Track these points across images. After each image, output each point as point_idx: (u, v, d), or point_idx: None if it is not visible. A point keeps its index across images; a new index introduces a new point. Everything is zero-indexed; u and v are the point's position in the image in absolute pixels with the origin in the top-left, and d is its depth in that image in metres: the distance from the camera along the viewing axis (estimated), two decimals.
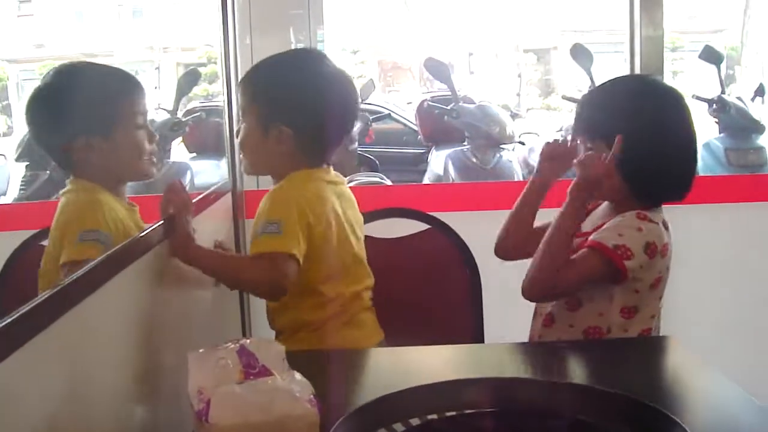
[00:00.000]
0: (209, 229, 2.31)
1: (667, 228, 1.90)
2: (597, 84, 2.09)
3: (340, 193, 2.06)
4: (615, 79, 2.09)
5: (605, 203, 2.00)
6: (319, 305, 2.00)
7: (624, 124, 1.84)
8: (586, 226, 1.97)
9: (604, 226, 1.85)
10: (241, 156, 2.15)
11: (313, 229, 1.93)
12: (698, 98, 6.49)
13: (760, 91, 6.94)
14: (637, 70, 2.80)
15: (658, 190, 1.90)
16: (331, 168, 2.09)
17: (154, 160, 1.93)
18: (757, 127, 6.09)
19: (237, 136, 2.11)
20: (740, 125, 6.05)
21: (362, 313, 2.06)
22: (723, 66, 6.34)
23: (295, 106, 1.99)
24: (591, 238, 1.84)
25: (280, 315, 2.06)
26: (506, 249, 2.10)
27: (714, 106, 6.16)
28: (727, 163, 5.88)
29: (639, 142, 1.83)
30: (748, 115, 6.11)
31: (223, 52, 2.78)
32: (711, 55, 6.24)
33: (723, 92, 6.23)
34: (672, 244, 1.90)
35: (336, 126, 2.06)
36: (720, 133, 6.25)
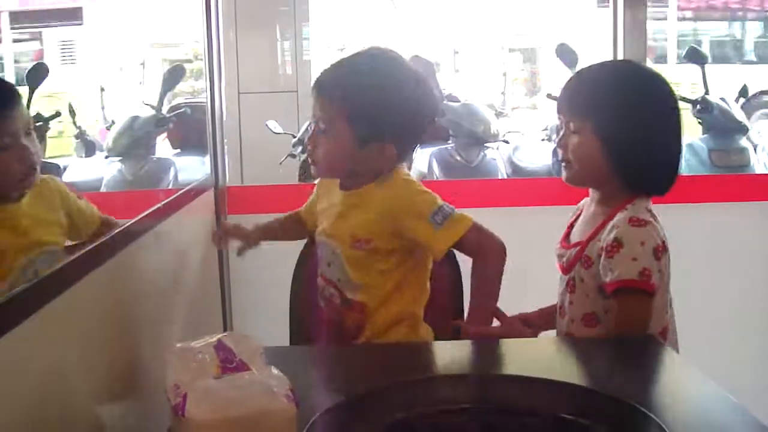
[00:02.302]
0: (191, 225, 2.31)
1: (655, 218, 1.88)
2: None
3: None
4: (603, 62, 2.09)
5: (588, 203, 1.99)
6: (421, 298, 2.06)
7: (612, 106, 1.83)
8: (575, 234, 1.97)
9: (614, 256, 1.80)
10: (311, 159, 2.00)
11: None
12: (682, 99, 6.51)
13: (743, 92, 6.97)
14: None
15: (644, 175, 1.86)
16: None
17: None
18: (740, 128, 6.11)
19: (309, 140, 1.98)
20: (724, 126, 6.07)
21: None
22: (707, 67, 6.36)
23: (400, 125, 1.95)
24: (610, 279, 1.80)
25: (377, 309, 2.01)
26: None
27: (698, 107, 6.18)
28: (711, 163, 5.89)
29: (626, 125, 1.81)
30: (732, 116, 6.13)
31: (206, 48, 2.78)
32: (695, 56, 6.26)
33: (707, 93, 6.25)
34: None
35: (423, 131, 2.07)
36: (703, 134, 6.27)
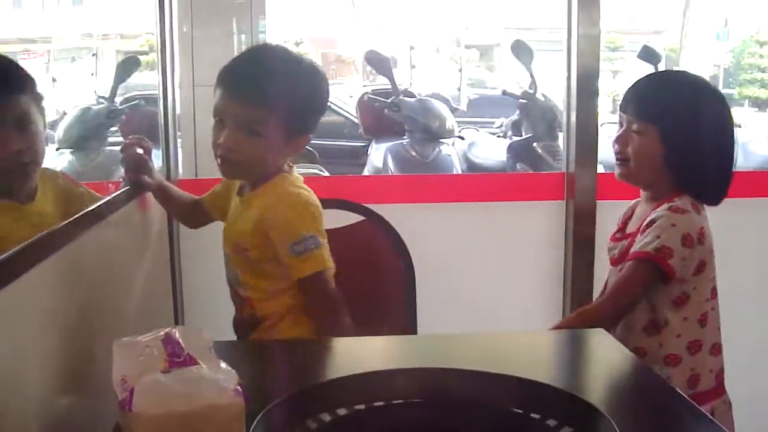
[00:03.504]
0: (141, 217, 2.28)
1: (699, 211, 1.97)
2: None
3: None
4: (668, 71, 2.21)
5: (640, 202, 2.09)
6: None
7: (680, 116, 1.95)
8: (631, 226, 2.06)
9: (645, 232, 1.91)
10: (227, 160, 1.95)
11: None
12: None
13: None
14: (574, 68, 2.82)
15: (701, 182, 1.98)
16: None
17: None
18: None
19: (221, 142, 1.93)
20: None
21: None
22: (661, 66, 6.43)
23: (312, 110, 2.02)
24: (633, 249, 1.92)
25: (263, 302, 2.02)
26: None
27: None
28: None
29: (690, 136, 1.93)
30: None
31: (159, 39, 2.75)
32: (649, 55, 6.32)
33: None
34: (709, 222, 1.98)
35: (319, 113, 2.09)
36: None
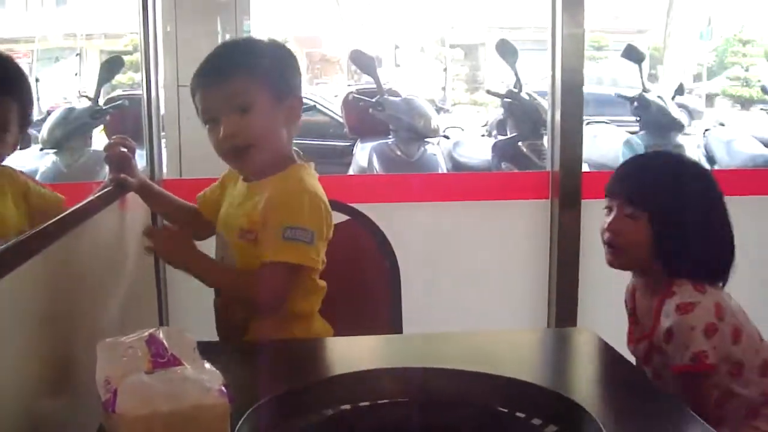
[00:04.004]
0: (125, 218, 2.28)
1: (704, 290, 1.89)
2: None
3: None
4: (659, 152, 2.15)
5: (641, 288, 2.04)
6: (311, 293, 1.99)
7: (671, 202, 1.90)
8: (644, 322, 2.00)
9: (671, 344, 1.85)
10: (228, 156, 1.96)
11: (328, 234, 1.96)
12: (620, 96, 6.61)
13: (680, 90, 7.09)
14: (559, 67, 2.83)
15: (694, 266, 1.91)
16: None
17: None
18: (676, 125, 6.21)
19: (227, 134, 1.91)
20: (661, 123, 6.17)
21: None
22: (645, 65, 6.45)
23: (297, 73, 2.02)
24: (672, 365, 1.87)
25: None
26: None
27: (635, 104, 6.27)
28: None
29: (683, 220, 1.89)
30: (669, 113, 6.23)
31: (143, 39, 2.74)
32: (633, 54, 6.34)
33: (644, 90, 6.34)
34: (725, 295, 1.92)
35: None
36: (641, 130, 6.36)
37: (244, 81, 1.91)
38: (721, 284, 1.94)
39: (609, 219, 1.95)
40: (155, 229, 1.99)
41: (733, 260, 1.95)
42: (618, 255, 1.95)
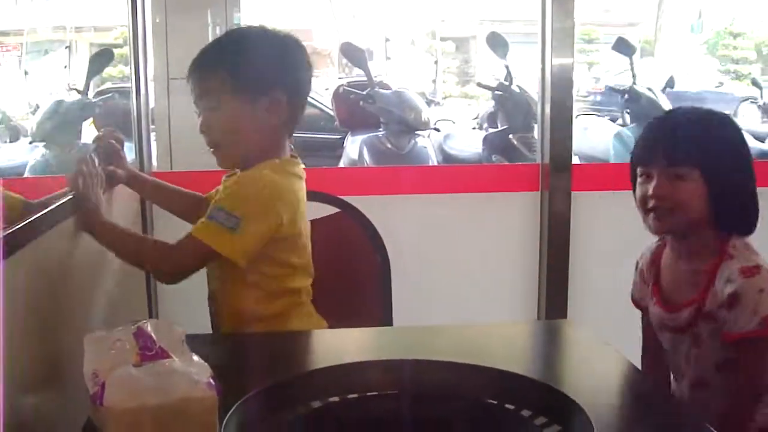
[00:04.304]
0: (115, 210, 2.27)
1: (757, 253, 1.85)
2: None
3: (304, 190, 1.99)
4: (682, 108, 2.07)
5: (668, 261, 1.97)
6: (276, 296, 1.94)
7: (719, 153, 1.84)
8: (674, 293, 1.93)
9: (734, 310, 1.77)
10: (214, 151, 1.95)
11: (281, 231, 1.85)
12: (611, 89, 6.61)
13: (670, 83, 7.09)
14: (549, 60, 2.83)
15: (739, 218, 1.87)
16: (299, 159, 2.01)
17: None
18: None
19: (203, 129, 1.92)
20: (651, 115, 6.16)
21: (310, 306, 2.02)
22: (636, 57, 6.45)
23: (287, 66, 1.93)
24: (733, 331, 1.78)
25: (230, 303, 1.97)
26: None
27: (626, 96, 6.28)
28: None
29: (730, 171, 1.84)
30: (659, 105, 6.23)
31: (132, 31, 2.73)
32: (624, 47, 6.34)
33: (635, 83, 6.34)
34: None
35: (308, 94, 2.02)
36: (631, 123, 6.37)
37: (213, 80, 1.88)
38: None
39: (651, 185, 1.84)
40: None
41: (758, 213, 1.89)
42: (666, 219, 1.85)
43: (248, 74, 1.88)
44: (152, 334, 1.23)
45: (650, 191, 1.84)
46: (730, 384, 1.82)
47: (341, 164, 6.30)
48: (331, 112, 7.78)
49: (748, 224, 1.87)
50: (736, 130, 1.92)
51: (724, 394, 1.83)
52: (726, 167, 1.83)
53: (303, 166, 2.01)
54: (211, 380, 1.18)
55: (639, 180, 1.89)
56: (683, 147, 1.84)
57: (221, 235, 1.77)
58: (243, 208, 1.79)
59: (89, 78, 5.19)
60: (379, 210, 2.39)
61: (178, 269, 1.83)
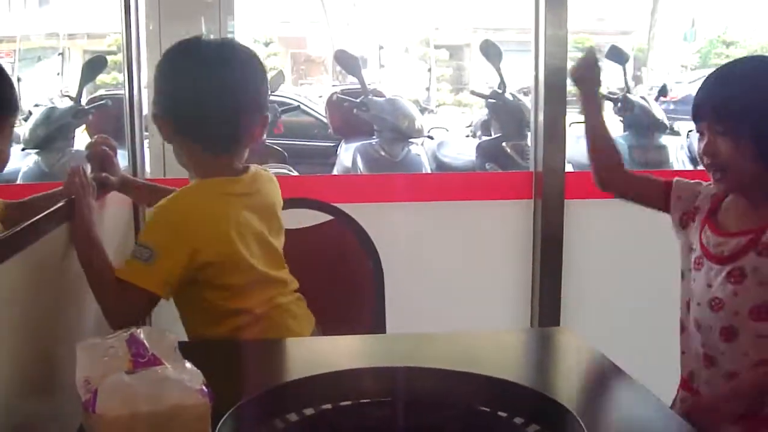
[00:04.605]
0: (108, 217, 2.26)
1: None
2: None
3: (252, 205, 1.91)
4: (741, 60, 2.00)
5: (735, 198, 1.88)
6: (222, 318, 1.88)
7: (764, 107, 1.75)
8: (731, 223, 1.84)
9: None
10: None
11: (200, 256, 1.78)
12: (604, 97, 6.63)
13: (663, 91, 7.12)
14: (542, 68, 2.83)
15: None
16: (247, 174, 1.94)
17: None
18: (659, 126, 6.24)
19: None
20: (644, 124, 6.19)
21: (281, 318, 1.97)
22: (629, 66, 6.48)
23: (170, 94, 1.88)
24: None
25: (186, 328, 1.94)
26: (601, 178, 2.08)
27: (619, 104, 6.30)
28: (631, 160, 6.01)
29: None
30: (652, 114, 6.26)
31: (125, 38, 2.73)
32: (616, 55, 6.37)
33: (628, 91, 6.37)
34: None
35: (229, 113, 1.87)
36: (624, 131, 6.39)
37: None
38: None
39: (702, 143, 1.80)
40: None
41: None
42: (719, 179, 1.79)
43: (168, 104, 1.89)
44: (145, 342, 1.23)
45: (701, 149, 1.80)
46: (762, 333, 1.74)
47: (335, 172, 6.31)
48: (325, 120, 7.79)
49: None
50: None
51: (755, 345, 1.75)
52: None
53: (248, 181, 1.94)
54: (204, 387, 1.18)
55: (698, 139, 1.84)
56: (727, 103, 1.78)
57: (138, 270, 1.74)
58: (154, 239, 1.77)
59: (82, 85, 5.19)
60: (372, 217, 2.39)
61: (118, 314, 1.77)
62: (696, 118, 1.82)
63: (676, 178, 1.97)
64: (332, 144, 7.45)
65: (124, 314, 1.75)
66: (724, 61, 1.87)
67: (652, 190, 2.00)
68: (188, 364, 1.21)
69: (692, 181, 1.96)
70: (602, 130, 2.06)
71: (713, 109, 1.78)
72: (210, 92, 1.85)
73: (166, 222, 1.80)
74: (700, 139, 1.82)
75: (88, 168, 2.05)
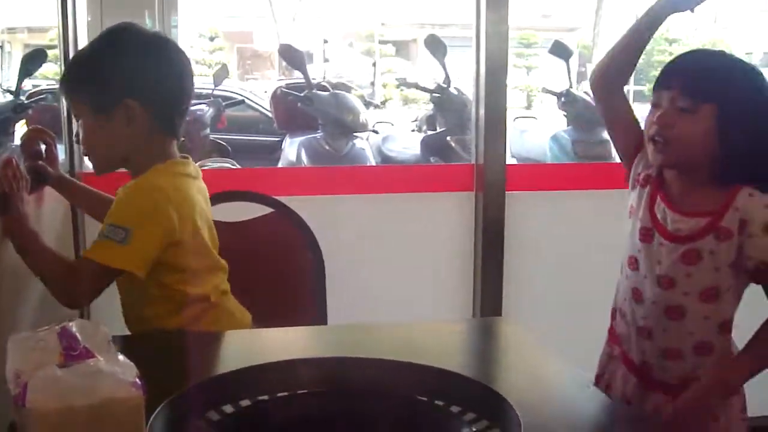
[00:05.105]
0: (43, 211, 2.23)
1: None
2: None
3: (201, 188, 1.96)
4: (713, 50, 1.98)
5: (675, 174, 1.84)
6: (181, 306, 1.88)
7: (741, 96, 1.74)
8: (686, 203, 1.80)
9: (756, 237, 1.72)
10: (89, 158, 1.96)
11: (174, 235, 1.81)
12: (548, 92, 6.69)
13: None
14: (483, 64, 2.85)
15: (750, 168, 1.75)
16: (190, 158, 1.97)
17: None
18: (602, 121, 6.30)
19: (78, 141, 1.92)
20: (587, 118, 6.24)
21: (228, 303, 1.99)
22: (574, 61, 6.53)
23: (137, 74, 1.86)
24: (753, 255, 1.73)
25: (138, 319, 1.94)
26: (603, 75, 1.94)
27: (563, 99, 6.35)
28: (575, 154, 6.07)
29: (749, 117, 1.72)
30: (595, 108, 6.30)
31: (61, 31, 2.69)
32: (560, 50, 6.42)
33: (571, 86, 6.42)
34: None
35: (181, 94, 1.92)
36: (568, 125, 6.44)
37: (72, 97, 1.93)
38: None
39: (658, 113, 1.75)
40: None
41: None
42: (669, 151, 1.75)
43: (98, 92, 1.85)
44: (77, 334, 1.21)
45: (654, 117, 1.76)
46: (708, 315, 1.77)
47: (279, 166, 6.27)
48: (270, 115, 7.75)
49: (758, 177, 1.75)
50: (765, 83, 1.79)
51: (700, 327, 1.78)
52: (743, 112, 1.73)
53: (195, 165, 1.97)
54: (138, 380, 1.16)
55: (650, 111, 1.79)
56: (698, 78, 1.75)
57: (112, 250, 1.74)
58: (131, 219, 1.77)
59: (21, 79, 5.10)
60: (314, 210, 2.39)
61: (78, 293, 1.80)
62: (661, 86, 1.77)
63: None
64: (277, 139, 7.40)
65: (88, 296, 1.82)
66: (667, 58, 1.87)
67: (630, 129, 1.93)
68: (121, 357, 1.20)
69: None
70: (643, 45, 1.92)
71: (685, 82, 1.75)
72: (180, 75, 1.91)
73: (139, 201, 1.81)
74: (652, 112, 1.78)
75: (22, 161, 2.01)
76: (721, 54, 1.91)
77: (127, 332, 1.91)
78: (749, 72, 1.79)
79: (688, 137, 1.73)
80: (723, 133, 1.71)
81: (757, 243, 1.71)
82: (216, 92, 6.14)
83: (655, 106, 1.77)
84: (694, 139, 1.72)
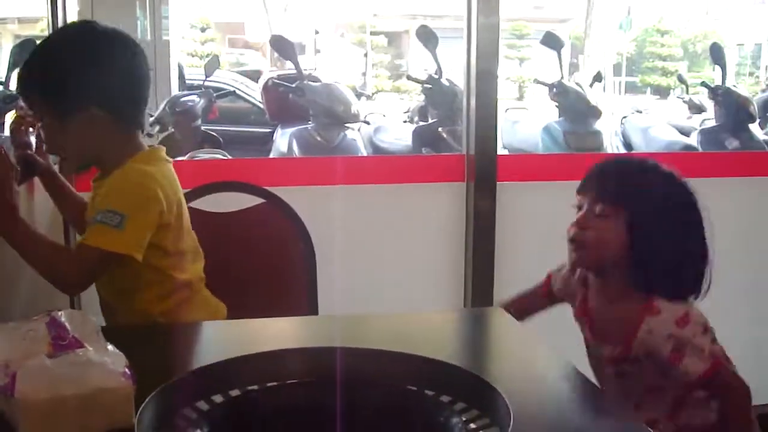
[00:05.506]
0: (35, 203, 2.23)
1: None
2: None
3: (174, 175, 1.96)
4: (636, 158, 2.10)
5: (597, 289, 1.95)
6: (171, 291, 1.91)
7: (652, 203, 1.82)
8: (599, 328, 1.93)
9: (685, 359, 1.78)
10: (58, 159, 1.97)
11: (164, 217, 1.83)
12: (539, 82, 6.69)
13: (597, 78, 7.20)
14: (474, 56, 2.85)
15: (670, 283, 1.83)
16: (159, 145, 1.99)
17: None
18: (594, 112, 6.30)
19: (41, 140, 1.94)
20: (578, 109, 6.25)
21: (205, 291, 2.01)
22: (565, 52, 6.54)
23: (95, 79, 1.84)
24: (690, 380, 1.79)
25: (126, 307, 1.94)
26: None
27: (554, 90, 6.36)
28: (566, 145, 6.07)
29: (660, 223, 1.81)
30: (586, 99, 6.31)
31: (51, 21, 2.68)
32: (552, 41, 6.42)
33: (563, 77, 6.42)
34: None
35: (140, 89, 1.92)
36: (559, 116, 6.45)
37: (32, 100, 1.90)
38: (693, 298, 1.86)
39: (578, 215, 1.86)
40: None
41: (702, 278, 1.85)
42: (582, 253, 1.86)
43: (56, 100, 1.84)
44: (66, 324, 1.21)
45: (576, 220, 1.86)
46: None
47: (271, 157, 6.26)
48: (261, 106, 7.74)
49: (681, 290, 1.84)
50: (684, 192, 1.87)
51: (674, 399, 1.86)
52: (653, 221, 1.81)
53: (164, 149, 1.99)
54: (127, 370, 1.16)
55: (575, 210, 1.89)
56: (609, 185, 1.85)
57: (109, 235, 1.75)
58: (125, 203, 1.78)
59: (11, 69, 5.08)
60: (306, 201, 2.38)
61: (77, 279, 1.81)
62: (582, 191, 1.88)
63: (549, 272, 2.09)
64: (268, 130, 7.38)
65: (87, 281, 1.83)
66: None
67: (540, 299, 2.12)
68: (111, 347, 1.20)
69: (561, 267, 2.05)
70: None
71: (601, 189, 1.85)
72: (137, 70, 1.90)
73: (134, 186, 1.82)
74: (578, 212, 1.88)
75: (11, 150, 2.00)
76: (640, 161, 2.00)
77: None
78: (665, 180, 1.88)
79: (601, 240, 1.83)
80: (633, 239, 1.80)
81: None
82: (207, 83, 6.12)
83: (578, 208, 1.88)
84: (606, 243, 1.82)
